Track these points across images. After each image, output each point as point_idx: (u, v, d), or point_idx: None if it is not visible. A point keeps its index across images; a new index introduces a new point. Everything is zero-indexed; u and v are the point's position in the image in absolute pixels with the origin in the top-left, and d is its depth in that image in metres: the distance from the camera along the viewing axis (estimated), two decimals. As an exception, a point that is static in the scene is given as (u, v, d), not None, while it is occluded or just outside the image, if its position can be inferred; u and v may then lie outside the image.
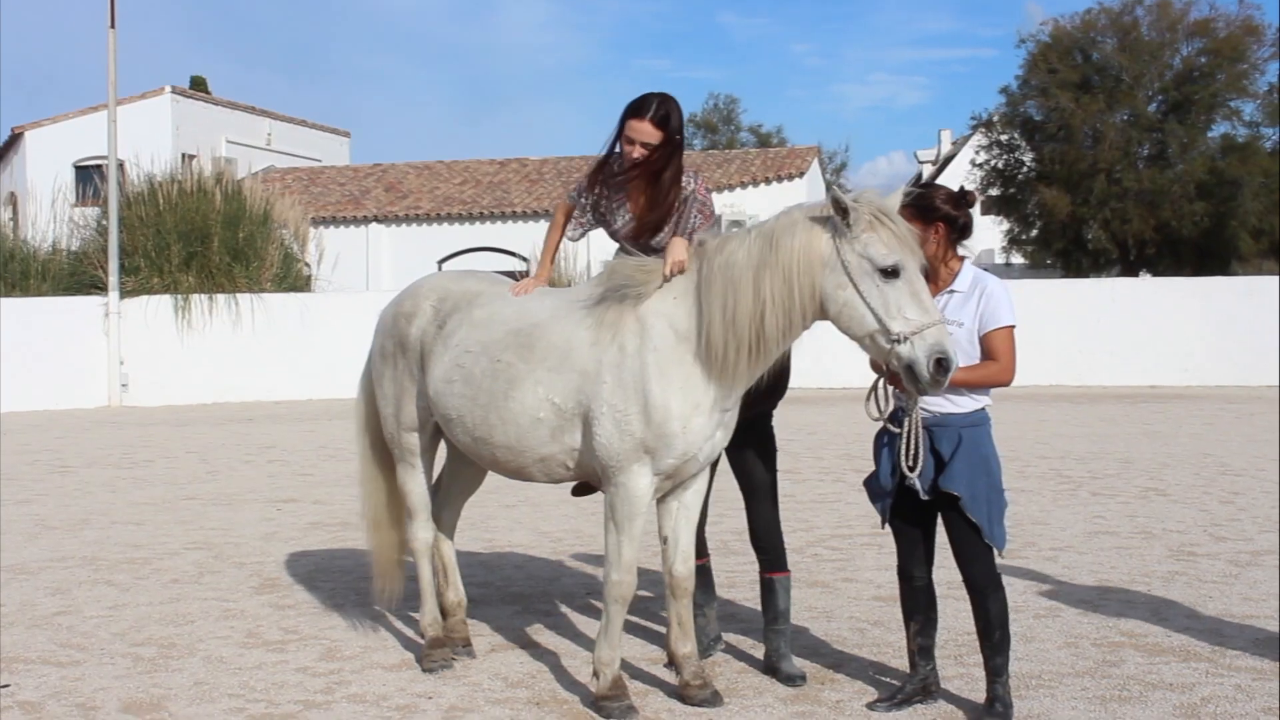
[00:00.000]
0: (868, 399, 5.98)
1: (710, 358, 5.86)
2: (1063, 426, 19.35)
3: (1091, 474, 14.09)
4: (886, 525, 6.16)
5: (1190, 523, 10.98)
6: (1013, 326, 5.90)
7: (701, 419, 5.94)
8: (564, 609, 8.31)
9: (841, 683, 6.61)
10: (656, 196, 6.38)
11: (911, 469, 5.84)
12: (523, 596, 8.70)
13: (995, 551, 5.91)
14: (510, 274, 7.25)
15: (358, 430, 7.57)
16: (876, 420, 6.00)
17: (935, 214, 5.89)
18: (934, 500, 5.92)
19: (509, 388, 6.27)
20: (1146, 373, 27.28)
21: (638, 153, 6.23)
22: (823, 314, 5.75)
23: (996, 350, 5.85)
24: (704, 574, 7.07)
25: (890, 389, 5.95)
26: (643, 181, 6.41)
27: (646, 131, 6.22)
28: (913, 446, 5.84)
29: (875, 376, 6.00)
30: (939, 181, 6.50)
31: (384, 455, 7.35)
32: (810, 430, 18.99)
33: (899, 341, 5.49)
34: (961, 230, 5.97)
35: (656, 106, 6.26)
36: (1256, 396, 24.40)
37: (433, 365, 6.64)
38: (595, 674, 6.23)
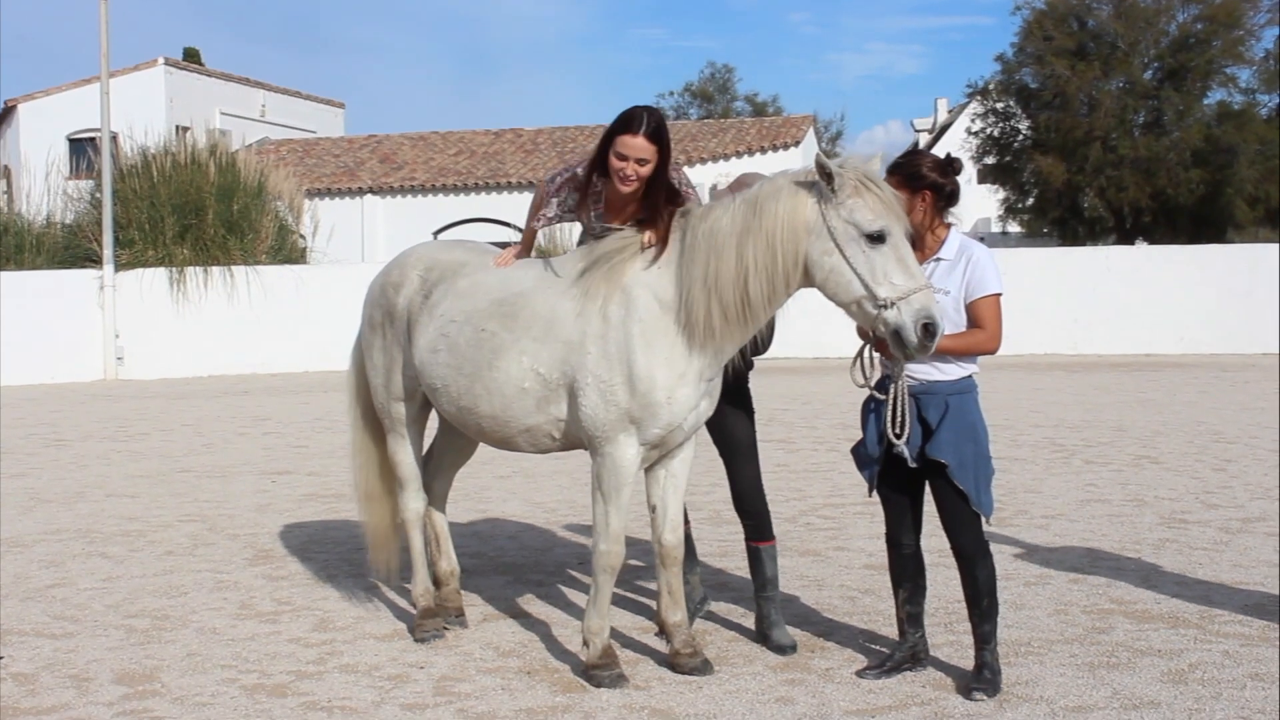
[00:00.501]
0: (853, 365, 6.00)
1: (691, 325, 5.85)
2: (1057, 395, 19.37)
3: (1085, 442, 14.11)
4: (874, 493, 6.18)
5: (1182, 490, 11.01)
6: (999, 294, 5.90)
7: (687, 389, 5.95)
8: (556, 579, 8.34)
9: (832, 650, 6.64)
10: (654, 209, 6.14)
11: (898, 436, 5.85)
12: (515, 567, 8.72)
13: (983, 519, 5.93)
14: (504, 245, 7.16)
15: (349, 401, 7.58)
16: (861, 386, 6.01)
17: (922, 181, 5.88)
18: (922, 468, 5.94)
19: (493, 357, 6.26)
20: (1142, 341, 27.29)
21: (630, 169, 6.04)
22: (808, 280, 5.74)
23: (983, 318, 5.86)
24: (685, 539, 7.09)
25: (876, 356, 5.96)
26: (637, 200, 6.22)
27: (640, 147, 6.01)
28: (899, 414, 5.86)
29: (861, 343, 6.02)
30: (934, 150, 6.48)
31: (376, 426, 7.36)
32: (805, 400, 19.01)
33: (885, 307, 5.49)
34: (948, 198, 5.96)
35: (648, 120, 6.04)
36: (1251, 364, 24.42)
37: (418, 335, 6.63)
38: (585, 643, 6.24)
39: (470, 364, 6.34)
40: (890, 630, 6.69)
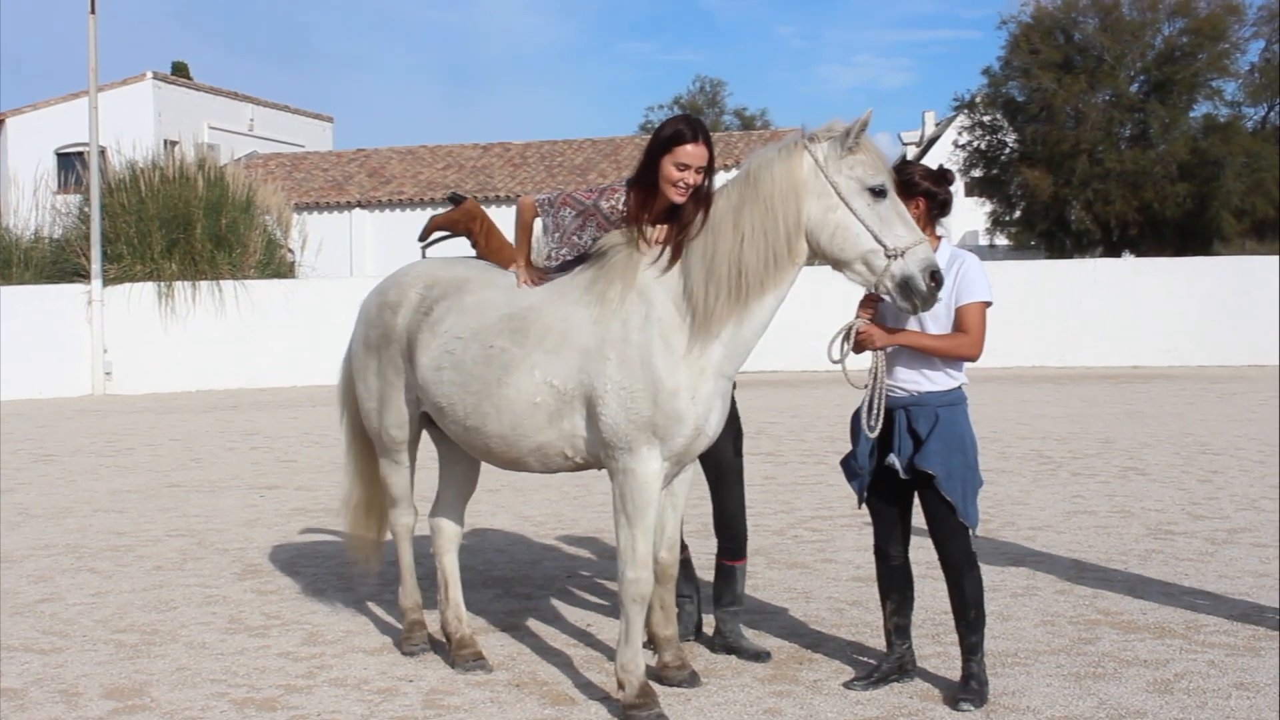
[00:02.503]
0: (834, 340, 5.95)
1: (694, 310, 5.72)
2: (1045, 407, 19.42)
3: (1072, 454, 14.16)
4: (863, 505, 6.21)
5: (1168, 501, 11.05)
6: (987, 303, 5.95)
7: (709, 384, 5.80)
8: (545, 593, 8.36)
9: (819, 662, 6.66)
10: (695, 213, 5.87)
11: (872, 429, 5.90)
12: (504, 580, 8.74)
13: (971, 530, 5.97)
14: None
15: (340, 414, 7.52)
16: (835, 363, 5.94)
17: (916, 189, 5.93)
18: (911, 479, 5.97)
19: (503, 373, 6.06)
20: (1129, 353, 27.38)
21: (691, 177, 5.82)
22: (808, 246, 5.69)
23: (968, 323, 5.90)
24: (685, 564, 7.04)
25: (872, 367, 5.95)
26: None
27: (702, 154, 5.84)
28: (875, 407, 5.91)
29: (846, 324, 5.98)
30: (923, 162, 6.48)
31: (366, 441, 7.29)
32: (793, 413, 19.03)
33: (895, 257, 5.51)
34: (941, 206, 6.03)
35: (698, 125, 5.90)
36: (1238, 376, 24.52)
37: (421, 354, 6.44)
38: (620, 683, 5.93)
39: (478, 381, 6.15)
40: (877, 642, 6.71)
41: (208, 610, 8.07)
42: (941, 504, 5.92)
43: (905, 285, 5.53)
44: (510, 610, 7.89)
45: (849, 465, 6.20)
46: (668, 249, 5.88)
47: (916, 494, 6.08)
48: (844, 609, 7.70)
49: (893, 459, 5.95)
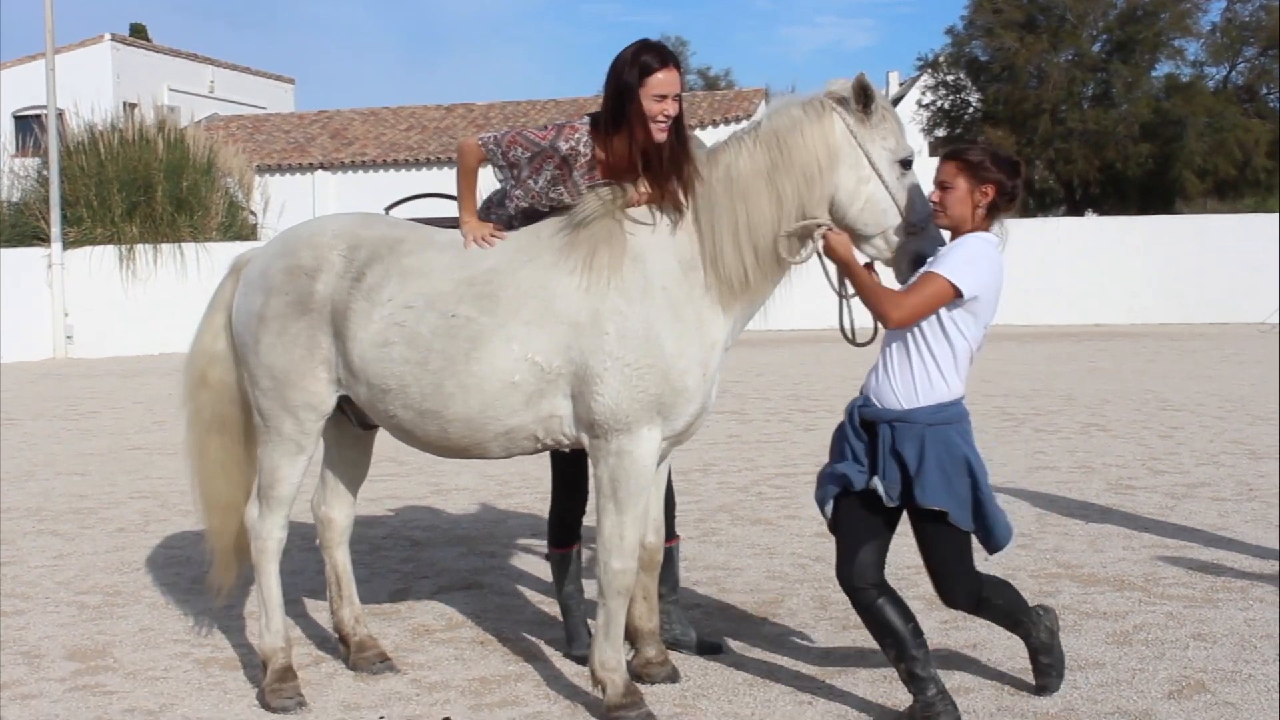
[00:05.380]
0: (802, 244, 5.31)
1: (724, 281, 5.24)
2: (1008, 365, 19.50)
3: (1034, 411, 14.25)
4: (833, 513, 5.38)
5: (1129, 457, 11.14)
6: (948, 281, 5.08)
7: (717, 359, 5.37)
8: (509, 551, 8.37)
9: (783, 617, 6.71)
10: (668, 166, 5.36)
11: (858, 342, 5.41)
12: (468, 538, 8.75)
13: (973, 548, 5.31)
14: (439, 220, 6.59)
15: (187, 393, 6.21)
16: (796, 263, 5.33)
17: (988, 175, 5.21)
18: (898, 507, 5.19)
19: (471, 347, 5.27)
20: (1092, 311, 27.55)
21: (671, 107, 5.29)
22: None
23: (914, 286, 5.13)
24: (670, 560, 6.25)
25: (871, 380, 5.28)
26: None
27: (676, 80, 5.30)
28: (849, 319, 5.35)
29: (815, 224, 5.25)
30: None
31: (224, 425, 6.10)
32: (758, 372, 19.07)
33: (914, 233, 5.20)
34: (1010, 199, 5.31)
35: (663, 50, 5.30)
36: (1199, 334, 24.71)
37: (356, 327, 5.44)
38: (599, 682, 5.37)
39: (439, 357, 5.31)
40: (841, 596, 6.11)
41: (171, 571, 8.05)
42: (949, 543, 5.19)
43: (919, 262, 5.21)
44: (474, 568, 7.90)
45: (830, 474, 5.38)
46: (668, 207, 5.34)
47: (912, 525, 5.30)
48: (807, 564, 7.74)
49: (877, 483, 5.14)
